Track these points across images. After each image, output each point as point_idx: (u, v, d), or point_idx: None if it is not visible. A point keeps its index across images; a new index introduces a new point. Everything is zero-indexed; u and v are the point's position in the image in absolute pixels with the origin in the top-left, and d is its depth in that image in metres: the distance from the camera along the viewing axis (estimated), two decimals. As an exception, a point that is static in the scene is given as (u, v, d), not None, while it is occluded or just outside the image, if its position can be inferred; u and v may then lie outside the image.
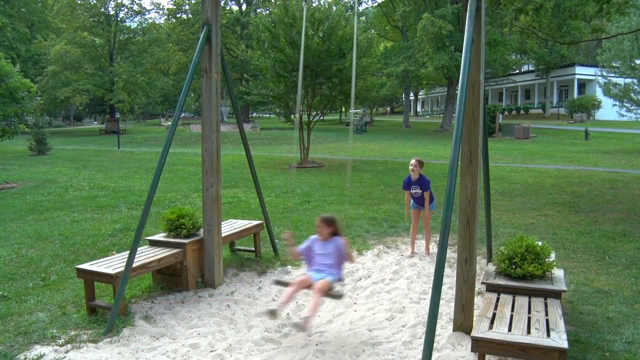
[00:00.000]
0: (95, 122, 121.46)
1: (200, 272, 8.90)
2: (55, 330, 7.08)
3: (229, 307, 8.05)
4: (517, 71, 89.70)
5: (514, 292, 6.63)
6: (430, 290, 7.98)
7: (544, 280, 6.78)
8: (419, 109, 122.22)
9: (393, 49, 64.65)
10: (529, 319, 5.74)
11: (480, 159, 6.57)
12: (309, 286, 7.02)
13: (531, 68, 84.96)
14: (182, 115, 70.75)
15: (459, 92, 5.39)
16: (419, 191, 10.77)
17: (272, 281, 9.14)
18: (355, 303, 8.30)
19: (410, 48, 58.89)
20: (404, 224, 13.33)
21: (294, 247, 7.64)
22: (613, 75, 44.77)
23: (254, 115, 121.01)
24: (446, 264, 9.53)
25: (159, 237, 9.03)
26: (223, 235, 9.43)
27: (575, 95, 75.09)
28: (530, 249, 6.96)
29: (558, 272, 7.14)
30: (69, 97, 65.71)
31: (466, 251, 6.50)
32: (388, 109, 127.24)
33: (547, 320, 5.70)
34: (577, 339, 6.61)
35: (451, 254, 10.34)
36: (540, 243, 7.15)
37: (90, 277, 7.64)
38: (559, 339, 5.22)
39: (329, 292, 6.93)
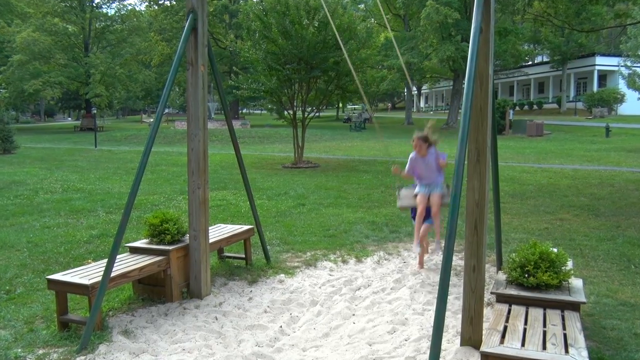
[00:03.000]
0: (70, 119, 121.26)
1: (185, 281, 8.91)
2: (20, 350, 6.93)
3: (216, 319, 8.06)
4: (530, 63, 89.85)
5: (527, 303, 6.59)
6: (435, 301, 7.99)
7: (560, 290, 6.74)
8: (422, 104, 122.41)
9: (394, 39, 64.66)
10: (544, 333, 5.69)
11: (489, 158, 6.58)
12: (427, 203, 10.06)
13: (545, 59, 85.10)
14: (166, 111, 70.79)
15: (465, 85, 5.41)
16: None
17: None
18: (353, 314, 8.31)
19: (413, 38, 58.94)
20: (407, 228, 13.35)
21: (404, 172, 10.25)
22: (639, 65, 44.47)
23: (244, 111, 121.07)
24: (452, 272, 9.56)
25: (141, 243, 9.02)
26: (210, 241, 9.43)
27: (595, 88, 74.99)
28: (544, 256, 6.91)
29: (576, 282, 7.10)
30: (38, 90, 65.21)
31: (474, 258, 6.51)
32: (389, 104, 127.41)
33: (564, 335, 5.63)
34: (600, 356, 6.50)
35: (458, 262, 10.36)
36: (555, 250, 7.12)
37: (63, 289, 7.54)
38: (579, 356, 5.12)
39: (444, 204, 9.92)
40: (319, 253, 11.54)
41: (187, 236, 9.02)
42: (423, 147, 10.00)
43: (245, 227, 10.79)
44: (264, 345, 7.19)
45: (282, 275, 10.10)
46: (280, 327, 7.79)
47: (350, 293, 9.20)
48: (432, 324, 6.63)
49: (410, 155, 10.19)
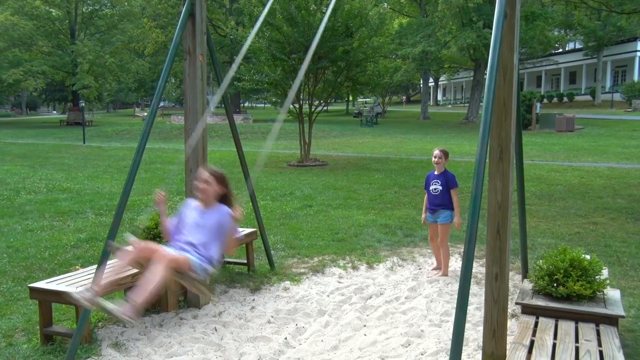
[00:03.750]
0: (55, 112, 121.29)
1: (182, 289, 8.94)
2: (-4, 367, 6.86)
3: (216, 330, 8.09)
4: (560, 50, 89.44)
5: (557, 315, 6.57)
6: (453, 312, 7.99)
7: (594, 302, 6.69)
8: (439, 97, 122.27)
9: (410, 26, 64.51)
10: (577, 350, 5.60)
11: (513, 156, 6.56)
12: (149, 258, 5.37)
13: (578, 46, 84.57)
14: (161, 104, 70.66)
15: (487, 76, 5.41)
16: (440, 187, 10.60)
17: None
18: (365, 325, 8.33)
19: (430, 25, 58.77)
20: (422, 232, 13.37)
21: (166, 217, 6.21)
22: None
23: (246, 105, 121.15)
24: (473, 280, 9.56)
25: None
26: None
27: (636, 77, 74.01)
28: (575, 263, 6.86)
29: (613, 293, 7.03)
30: (19, 80, 64.80)
31: (496, 265, 6.50)
32: (403, 97, 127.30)
33: (600, 352, 5.53)
34: (643, 379, 6.33)
35: (479, 269, 10.37)
36: (588, 257, 7.08)
37: (47, 298, 7.55)
38: (618, 377, 5.06)
39: (184, 273, 5.54)
40: (327, 258, 11.58)
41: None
42: (210, 191, 6.09)
43: (247, 231, 10.82)
44: (267, 358, 7.21)
45: (287, 282, 10.13)
46: (285, 339, 7.81)
47: (361, 302, 9.22)
48: (450, 336, 6.64)
49: (187, 199, 6.55)
